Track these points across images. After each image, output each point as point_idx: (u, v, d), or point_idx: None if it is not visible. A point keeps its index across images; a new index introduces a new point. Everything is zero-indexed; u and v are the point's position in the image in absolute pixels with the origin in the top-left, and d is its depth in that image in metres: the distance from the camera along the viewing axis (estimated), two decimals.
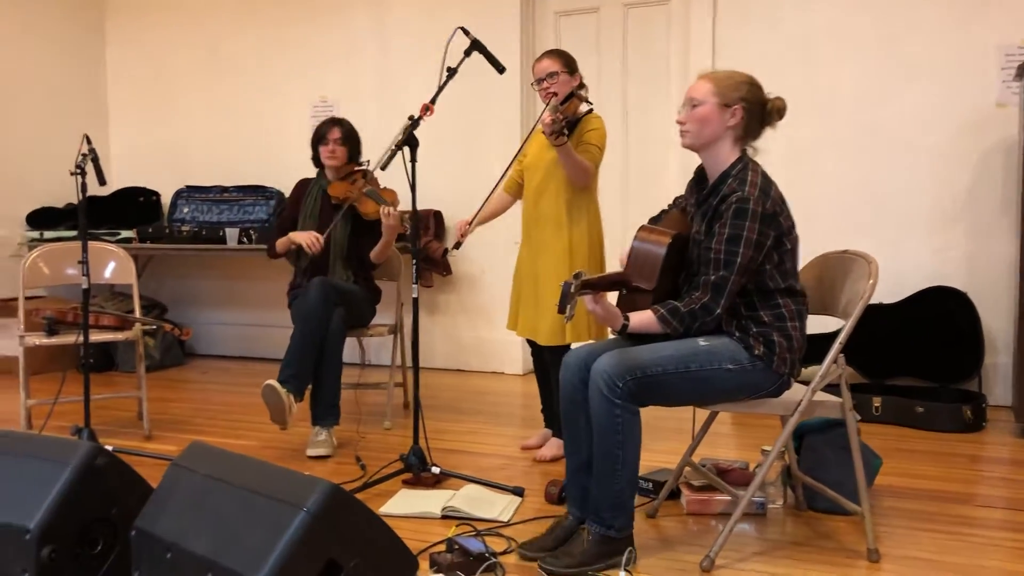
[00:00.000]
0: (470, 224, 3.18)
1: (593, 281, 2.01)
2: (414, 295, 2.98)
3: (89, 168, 3.07)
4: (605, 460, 2.11)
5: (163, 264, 5.60)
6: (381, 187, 3.63)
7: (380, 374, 4.22)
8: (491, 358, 4.94)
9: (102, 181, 3.24)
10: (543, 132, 2.90)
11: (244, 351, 5.52)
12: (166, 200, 5.56)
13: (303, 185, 3.74)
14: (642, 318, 2.18)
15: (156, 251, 5.13)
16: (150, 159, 5.61)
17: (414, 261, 2.95)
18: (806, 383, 2.30)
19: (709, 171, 2.25)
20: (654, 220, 2.49)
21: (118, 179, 5.76)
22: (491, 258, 4.86)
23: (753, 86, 2.23)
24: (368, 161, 3.72)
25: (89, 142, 3.27)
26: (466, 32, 3.00)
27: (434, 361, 4.96)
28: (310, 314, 3.23)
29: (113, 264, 3.73)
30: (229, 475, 1.79)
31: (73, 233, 5.20)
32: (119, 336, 3.52)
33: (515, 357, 4.90)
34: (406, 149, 2.84)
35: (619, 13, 4.73)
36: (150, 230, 5.12)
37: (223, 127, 5.55)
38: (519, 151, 3.25)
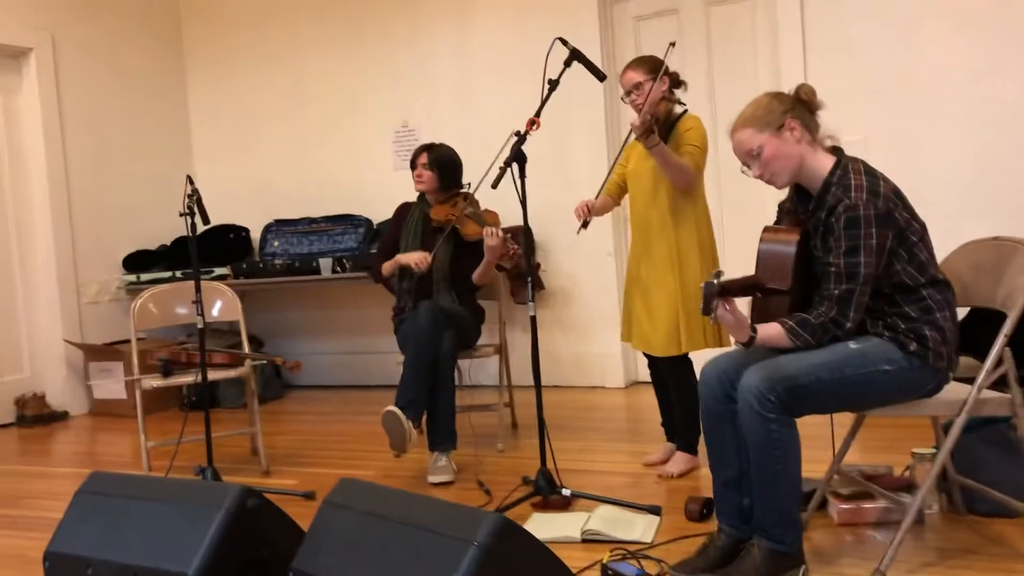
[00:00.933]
0: (590, 205, 3.08)
1: (726, 285, 1.96)
2: (531, 312, 2.95)
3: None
4: (766, 476, 2.02)
5: (257, 298, 5.64)
6: (482, 208, 3.65)
7: (484, 395, 4.16)
8: (591, 372, 4.87)
9: (206, 220, 3.27)
10: (635, 136, 2.86)
11: (341, 380, 5.52)
12: (255, 235, 5.61)
13: (404, 209, 3.76)
14: (770, 331, 2.10)
15: (251, 286, 5.17)
16: (237, 196, 5.67)
17: (529, 280, 2.90)
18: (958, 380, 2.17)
19: (809, 187, 2.18)
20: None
21: (185, 220, 5.78)
22: (583, 270, 4.82)
23: (777, 96, 2.18)
24: (469, 184, 3.72)
25: (192, 183, 3.28)
26: (564, 43, 2.96)
27: (527, 378, 4.82)
28: (421, 338, 3.21)
29: (220, 303, 3.74)
30: (387, 511, 1.74)
31: (169, 274, 5.28)
32: (230, 374, 3.52)
33: (615, 369, 4.83)
34: (515, 166, 2.83)
35: (700, 13, 4.65)
36: (244, 266, 5.17)
37: (306, 159, 5.59)
38: (619, 154, 3.22)
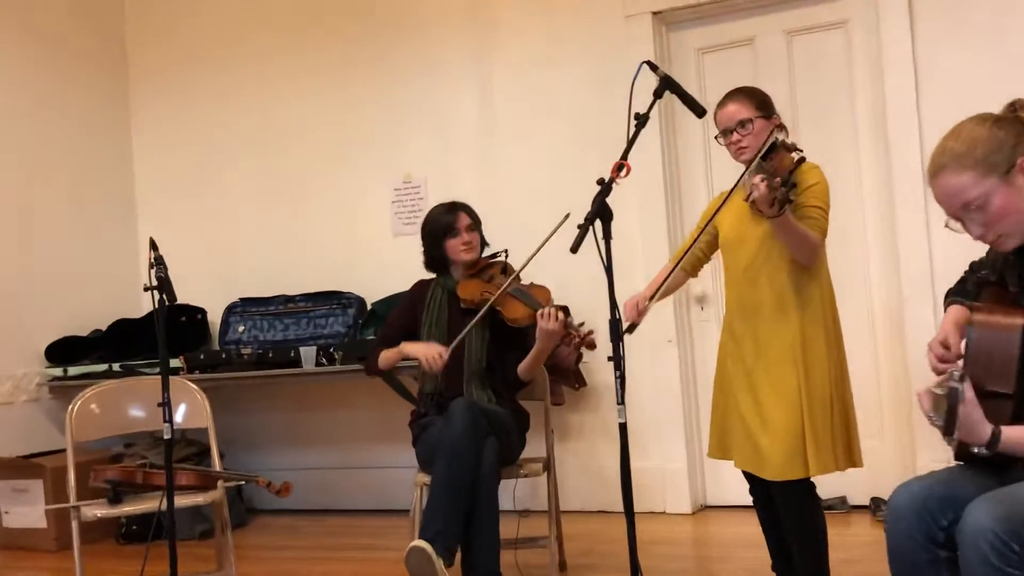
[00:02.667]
0: (650, 300, 3.00)
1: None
2: (620, 419, 2.69)
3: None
4: None
5: (216, 397, 5.30)
6: (527, 283, 3.59)
7: (531, 523, 3.88)
8: (647, 494, 4.64)
9: (173, 297, 3.07)
10: (754, 205, 2.70)
11: (325, 502, 5.27)
12: (215, 317, 5.45)
13: (421, 287, 3.73)
14: (1019, 433, 1.90)
15: (210, 382, 4.91)
16: (192, 268, 5.45)
17: (617, 373, 2.68)
18: None
19: None
20: (958, 293, 2.33)
21: (152, 295, 5.55)
22: (636, 362, 4.59)
23: (998, 123, 2.00)
24: (506, 252, 3.67)
25: (155, 247, 3.11)
26: (654, 67, 2.84)
27: (569, 501, 4.67)
28: (457, 448, 3.11)
29: (185, 405, 3.59)
30: None
31: (104, 367, 5.08)
32: (198, 499, 3.33)
33: (679, 490, 4.62)
34: (598, 223, 2.70)
35: (780, 42, 4.57)
36: (201, 356, 5.01)
37: (281, 222, 5.47)
38: (708, 221, 3.07)
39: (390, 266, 4.99)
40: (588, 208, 4.49)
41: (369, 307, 5.08)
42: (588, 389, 4.77)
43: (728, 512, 4.56)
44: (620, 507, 4.55)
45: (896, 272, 4.22)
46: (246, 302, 5.35)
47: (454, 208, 3.62)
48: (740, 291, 2.98)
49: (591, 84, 4.74)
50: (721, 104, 2.97)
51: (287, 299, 5.25)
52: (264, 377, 4.88)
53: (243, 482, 3.41)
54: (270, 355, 4.87)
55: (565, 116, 4.78)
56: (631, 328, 2.95)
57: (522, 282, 3.55)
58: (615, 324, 2.71)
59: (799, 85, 4.51)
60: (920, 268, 4.13)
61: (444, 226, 3.59)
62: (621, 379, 2.69)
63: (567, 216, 3.31)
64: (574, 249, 2.67)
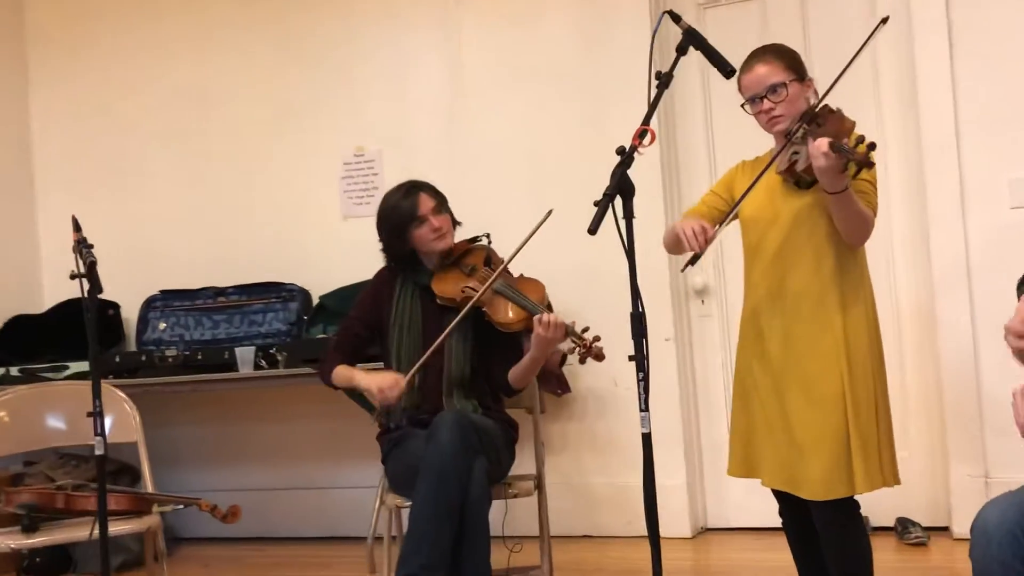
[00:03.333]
0: (718, 226, 2.94)
1: None
2: (644, 429, 2.70)
3: None
4: None
5: (136, 407, 5.23)
6: (516, 276, 3.53)
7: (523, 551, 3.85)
8: (637, 515, 4.51)
9: (98, 287, 3.04)
10: (800, 173, 2.72)
11: (263, 529, 5.19)
12: (129, 313, 5.35)
13: (387, 278, 3.65)
14: None
15: (130, 389, 4.75)
16: (100, 254, 5.16)
17: (640, 375, 2.67)
18: None
19: None
20: None
21: (54, 287, 5.53)
22: (627, 364, 4.41)
23: None
24: (488, 236, 3.61)
25: (79, 228, 3.14)
26: (676, 19, 2.82)
27: (551, 524, 4.55)
28: (446, 469, 3.08)
29: (111, 417, 3.50)
30: None
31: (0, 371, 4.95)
32: (128, 527, 3.27)
33: (678, 511, 4.58)
34: (619, 200, 2.66)
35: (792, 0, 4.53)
36: (116, 359, 4.89)
37: (209, 202, 5.40)
38: (742, 196, 2.96)
39: (339, 253, 4.96)
40: (576, 182, 4.56)
41: (316, 301, 5.03)
42: (571, 396, 4.74)
43: (732, 536, 4.56)
44: (609, 531, 4.68)
45: (926, 261, 4.20)
46: (168, 295, 5.24)
47: (413, 190, 3.53)
48: (770, 278, 2.94)
49: (575, 40, 4.73)
50: (747, 66, 2.93)
51: (217, 292, 5.16)
52: (193, 383, 4.79)
53: (182, 506, 3.33)
54: (199, 357, 4.78)
55: (546, 77, 4.75)
56: (695, 259, 2.84)
57: (511, 276, 3.51)
58: (638, 318, 2.70)
59: (814, 46, 4.46)
60: (954, 256, 4.11)
61: (405, 215, 3.49)
62: (645, 382, 2.68)
63: (550, 212, 3.34)
64: (592, 230, 2.62)
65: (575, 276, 4.59)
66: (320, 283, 5.04)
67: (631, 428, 4.48)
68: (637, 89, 4.47)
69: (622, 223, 2.64)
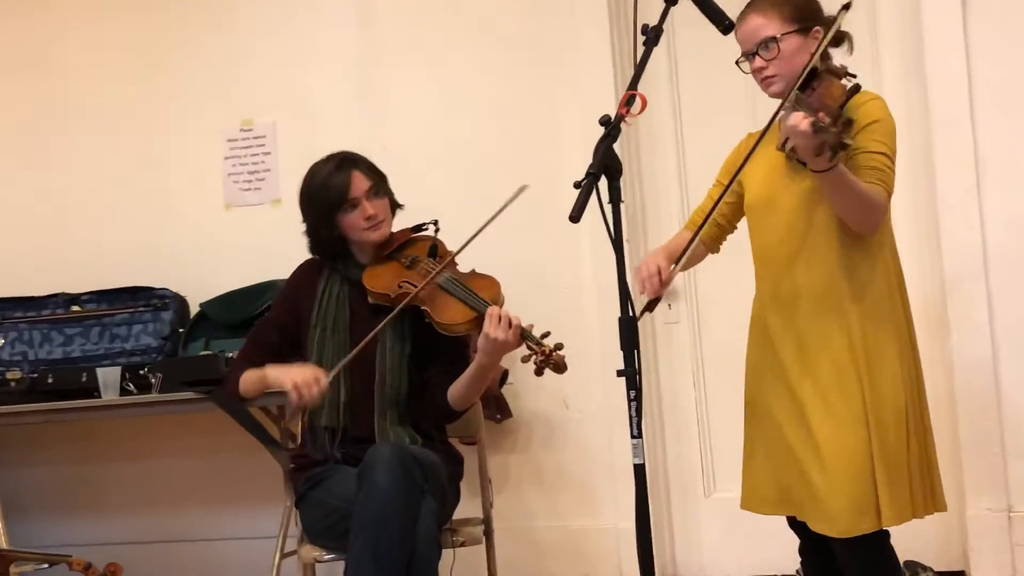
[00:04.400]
0: (675, 264, 3.03)
1: None
2: (636, 459, 2.65)
3: None
4: None
5: None
6: (466, 270, 3.56)
7: None
8: (597, 564, 4.67)
9: None
10: (793, 154, 2.74)
11: None
12: None
13: (309, 273, 3.66)
14: None
15: None
16: None
17: (631, 395, 2.65)
18: None
19: None
20: None
21: None
22: (580, 380, 4.55)
23: None
24: (435, 224, 3.62)
25: None
26: None
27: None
28: (386, 516, 3.09)
29: None
30: None
31: None
32: None
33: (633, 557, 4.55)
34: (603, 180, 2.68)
35: None
36: None
37: (55, 190, 5.37)
38: (733, 176, 3.05)
39: (223, 250, 4.98)
40: (520, 165, 4.61)
41: (196, 309, 4.99)
42: (513, 422, 4.74)
43: None
44: None
45: (936, 255, 4.27)
46: (5, 304, 5.16)
47: (345, 166, 3.51)
48: (775, 274, 3.00)
49: None
50: (741, 16, 2.98)
51: (69, 299, 5.10)
52: (43, 413, 4.70)
53: (47, 565, 3.27)
54: (49, 380, 4.71)
55: (482, 39, 4.78)
56: (652, 305, 2.99)
57: (459, 269, 3.54)
58: (628, 323, 2.73)
59: None
60: (969, 248, 4.18)
61: (334, 196, 3.48)
62: (637, 402, 2.68)
63: (522, 188, 3.40)
64: (575, 217, 2.62)
65: (518, 279, 4.45)
66: (200, 287, 5.00)
67: (585, 460, 4.64)
68: (594, 53, 4.67)
69: (607, 208, 2.67)
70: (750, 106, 4.27)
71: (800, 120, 2.56)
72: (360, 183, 3.47)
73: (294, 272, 3.67)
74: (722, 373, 4.45)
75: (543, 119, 4.71)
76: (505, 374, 4.54)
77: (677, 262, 3.02)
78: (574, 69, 4.57)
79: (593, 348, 4.57)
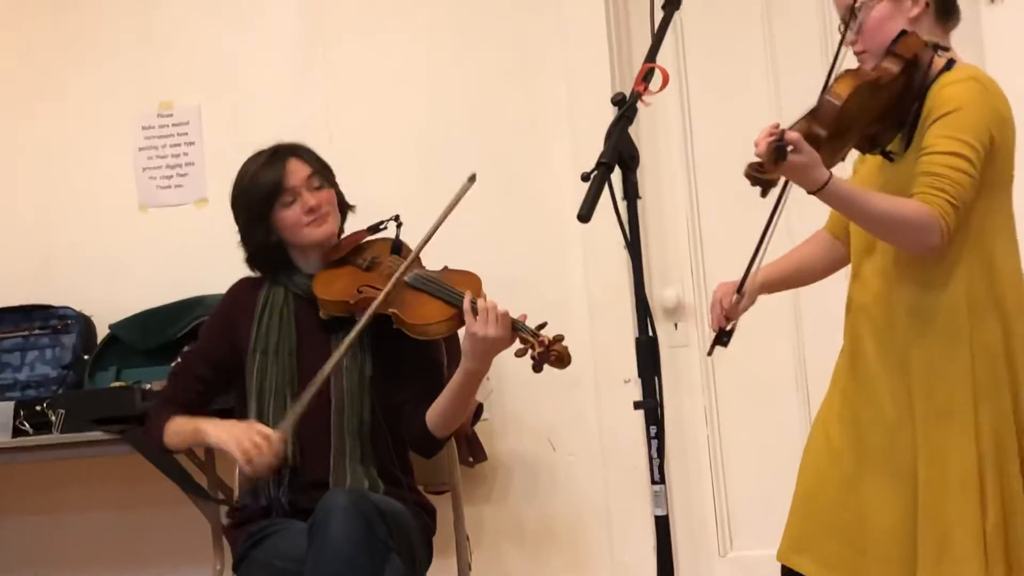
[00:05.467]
0: (740, 291, 3.10)
1: None
2: (659, 511, 2.65)
3: None
4: None
5: None
6: (440, 269, 3.60)
7: None
8: None
9: None
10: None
11: None
12: None
13: (247, 290, 3.67)
14: None
15: None
16: None
17: (653, 432, 2.64)
18: None
19: None
20: None
21: None
22: (568, 416, 4.67)
23: None
24: (396, 219, 3.61)
25: None
26: None
27: None
28: None
29: None
30: None
31: None
32: None
33: None
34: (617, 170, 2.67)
35: None
36: None
37: None
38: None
39: (138, 260, 4.96)
40: (489, 158, 4.57)
41: (106, 331, 4.94)
42: (488, 465, 4.74)
43: None
44: None
45: None
46: None
47: (279, 156, 3.54)
48: (867, 288, 3.04)
49: None
50: None
51: None
52: None
53: None
54: None
55: (445, 8, 4.80)
56: (721, 339, 3.08)
57: (421, 264, 3.56)
58: (648, 345, 2.73)
59: None
60: None
61: (266, 189, 3.49)
62: (659, 441, 2.66)
63: (472, 178, 3.49)
64: (585, 216, 2.60)
65: (490, 291, 4.46)
66: (109, 305, 4.97)
67: (576, 512, 4.65)
68: (585, 19, 4.65)
69: (622, 205, 2.67)
70: (771, 86, 4.28)
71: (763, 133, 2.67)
72: (298, 171, 3.50)
73: (228, 292, 3.69)
74: (739, 406, 4.46)
75: (521, 99, 4.73)
76: (479, 409, 4.50)
77: (739, 290, 3.08)
78: (559, 39, 4.58)
79: (584, 376, 4.56)
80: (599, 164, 2.62)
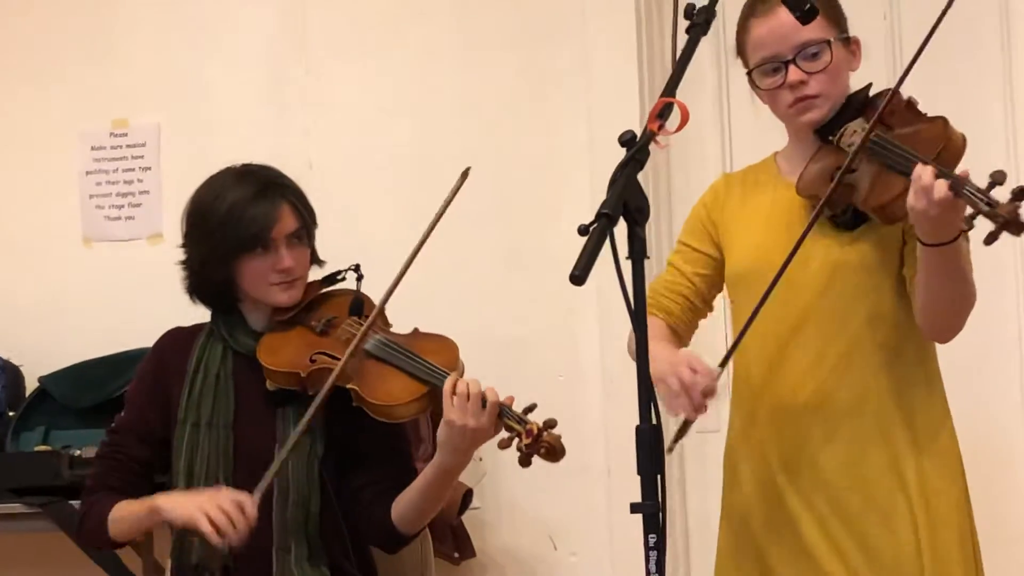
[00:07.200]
0: (721, 366, 3.05)
1: None
2: None
3: None
4: None
5: None
6: (409, 332, 3.55)
7: None
8: None
9: None
10: (885, 208, 2.88)
11: None
12: None
13: (178, 343, 3.63)
14: None
15: None
16: None
17: (652, 550, 2.57)
18: None
19: None
20: None
21: None
22: (574, 508, 4.66)
23: None
24: (357, 269, 3.59)
25: None
26: None
27: None
28: None
29: None
30: None
31: None
32: None
33: None
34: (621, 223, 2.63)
35: None
36: None
37: None
38: (790, 257, 3.03)
39: (78, 303, 4.99)
40: (489, 195, 4.59)
41: (36, 385, 4.96)
42: (477, 564, 4.75)
43: None
44: None
45: None
46: None
47: (272, 191, 3.46)
48: (785, 382, 3.09)
49: None
50: (759, 11, 3.10)
51: None
52: None
53: None
54: None
55: (441, 16, 4.82)
56: (683, 431, 3.02)
57: (391, 329, 3.52)
58: (650, 436, 2.67)
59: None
60: None
61: (248, 232, 3.41)
62: (659, 552, 2.58)
63: (466, 172, 3.49)
64: (579, 277, 2.54)
65: (490, 360, 4.36)
66: (41, 355, 5.01)
67: None
68: (610, 38, 4.69)
69: (625, 265, 2.60)
70: None
71: (930, 178, 2.62)
72: (286, 222, 3.44)
73: (154, 347, 3.65)
74: None
75: (531, 136, 4.75)
76: (468, 495, 4.47)
77: (724, 363, 3.03)
78: (581, 65, 4.59)
79: (595, 462, 4.58)
80: (600, 215, 2.58)
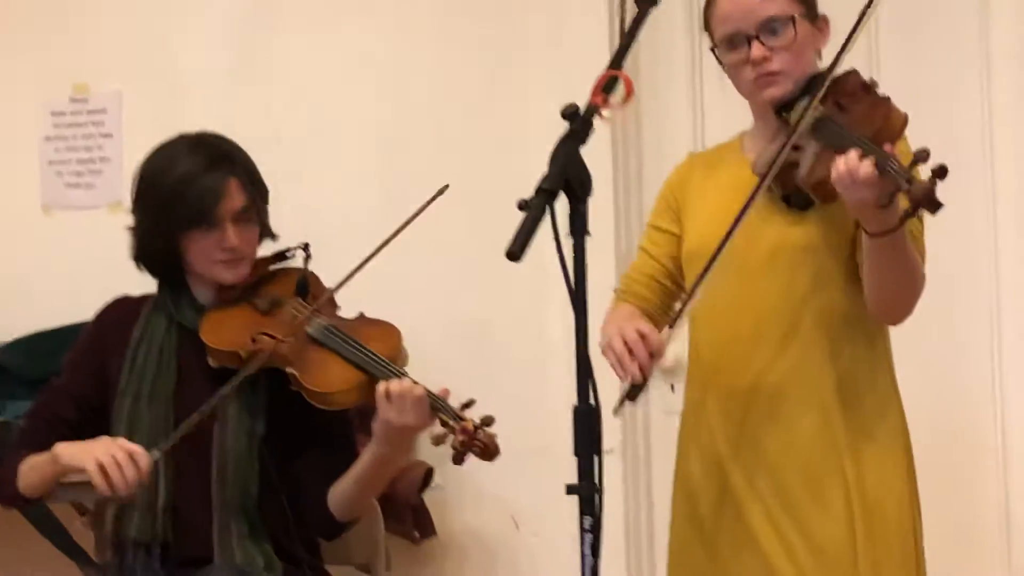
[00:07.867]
0: (670, 327, 3.09)
1: None
2: None
3: None
4: None
5: None
6: (354, 317, 3.58)
7: None
8: None
9: None
10: (824, 188, 2.87)
11: None
12: None
13: (121, 315, 3.65)
14: None
15: None
16: None
17: (587, 526, 2.67)
18: None
19: None
20: None
21: None
22: (537, 490, 4.62)
23: None
24: (305, 248, 3.60)
25: None
26: None
27: None
28: None
29: None
30: None
31: None
32: None
33: None
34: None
35: None
36: None
37: None
38: (731, 229, 3.06)
39: (36, 272, 5.02)
40: (454, 170, 4.49)
41: None
42: (438, 542, 4.74)
43: None
44: None
45: None
46: None
47: (220, 163, 3.46)
48: (727, 362, 3.14)
49: None
50: None
51: None
52: None
53: None
54: None
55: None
56: (635, 393, 2.97)
57: (339, 313, 3.54)
58: (586, 417, 2.70)
59: None
60: None
61: (191, 207, 3.41)
62: (594, 532, 2.66)
63: (442, 189, 3.48)
64: (515, 253, 2.62)
65: (452, 345, 4.62)
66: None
67: None
68: (576, 33, 4.66)
69: (566, 242, 2.65)
70: None
71: (856, 159, 2.66)
72: (234, 198, 3.43)
73: (97, 316, 3.65)
74: None
75: (500, 110, 4.76)
76: (428, 473, 4.50)
77: (673, 324, 3.03)
78: (550, 40, 4.61)
79: (558, 445, 4.39)
80: (539, 191, 2.61)
